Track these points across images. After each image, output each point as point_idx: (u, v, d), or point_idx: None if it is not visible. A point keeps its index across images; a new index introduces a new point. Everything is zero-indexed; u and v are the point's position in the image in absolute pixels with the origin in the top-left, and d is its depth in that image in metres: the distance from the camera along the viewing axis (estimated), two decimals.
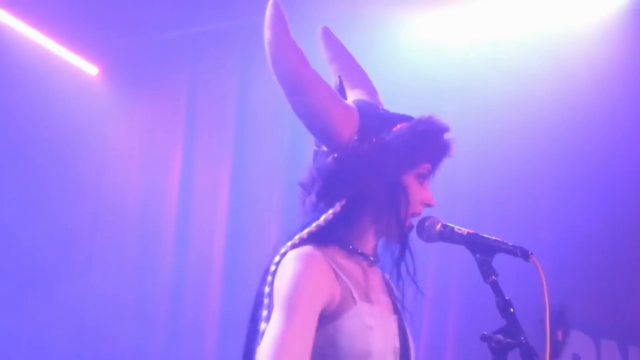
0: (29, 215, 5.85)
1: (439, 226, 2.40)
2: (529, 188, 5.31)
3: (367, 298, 2.40)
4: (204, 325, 5.88)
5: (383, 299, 2.48)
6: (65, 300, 5.90)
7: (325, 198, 2.43)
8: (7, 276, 5.72)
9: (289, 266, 2.28)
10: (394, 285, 2.52)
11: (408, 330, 2.50)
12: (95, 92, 6.32)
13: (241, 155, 6.02)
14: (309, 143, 5.87)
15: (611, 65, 5.21)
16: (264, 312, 2.30)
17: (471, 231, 2.34)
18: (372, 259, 2.49)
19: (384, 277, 2.55)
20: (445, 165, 5.59)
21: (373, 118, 2.48)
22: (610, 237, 5.20)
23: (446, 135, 2.49)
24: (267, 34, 2.41)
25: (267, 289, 2.32)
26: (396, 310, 2.50)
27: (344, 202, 2.41)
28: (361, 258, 2.46)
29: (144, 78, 6.33)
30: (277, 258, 2.35)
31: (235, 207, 5.96)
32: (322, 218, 2.41)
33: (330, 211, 2.41)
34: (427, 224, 2.42)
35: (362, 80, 2.70)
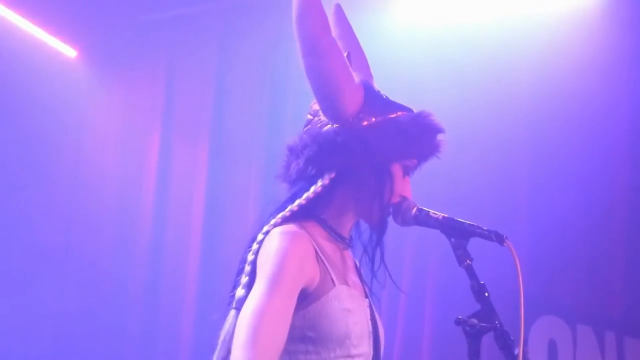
0: (4, 199, 5.82)
1: (414, 210, 2.40)
2: (507, 175, 5.31)
3: (345, 280, 2.41)
4: (180, 315, 5.88)
5: (357, 283, 2.50)
6: (42, 282, 5.88)
7: (314, 165, 2.44)
8: None
9: (273, 243, 2.29)
10: (368, 270, 2.53)
11: (377, 315, 2.51)
12: (73, 74, 6.29)
13: (219, 138, 6.01)
14: (287, 126, 5.89)
15: (592, 51, 5.21)
16: (244, 279, 2.31)
17: (446, 215, 2.34)
18: (347, 241, 2.50)
19: (355, 261, 2.57)
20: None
21: (376, 100, 2.50)
22: (587, 224, 5.21)
23: (440, 136, 2.51)
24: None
25: (250, 257, 2.33)
26: (366, 295, 2.51)
27: (333, 175, 2.42)
28: (338, 239, 2.47)
29: (122, 60, 6.31)
30: (260, 236, 2.36)
31: (213, 191, 5.95)
32: (304, 196, 2.42)
33: (319, 183, 2.42)
34: (402, 207, 2.42)
35: (362, 65, 2.70)
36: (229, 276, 2.46)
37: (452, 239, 2.28)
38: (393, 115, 2.47)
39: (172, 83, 6.20)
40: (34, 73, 6.02)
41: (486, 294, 2.19)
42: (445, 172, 5.26)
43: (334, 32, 2.68)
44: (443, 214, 2.34)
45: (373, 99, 2.49)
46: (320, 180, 2.42)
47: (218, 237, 5.84)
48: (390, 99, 2.55)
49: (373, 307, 2.51)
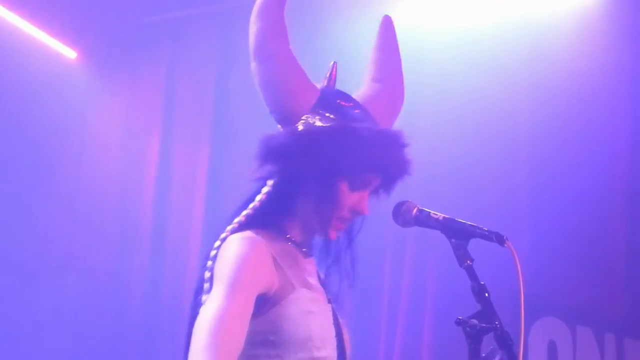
0: (6, 200, 5.82)
1: (414, 211, 2.39)
2: (507, 176, 5.31)
3: (305, 285, 2.40)
4: (182, 316, 5.85)
5: (319, 289, 2.48)
6: (43, 283, 5.88)
7: (261, 177, 2.44)
8: None
9: (230, 248, 2.29)
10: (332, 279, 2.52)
11: (341, 321, 2.50)
12: (73, 75, 6.29)
13: (220, 139, 6.01)
14: None
15: (590, 53, 5.20)
16: (204, 298, 2.28)
17: (447, 216, 2.34)
18: (304, 250, 2.48)
19: (317, 269, 2.55)
20: (424, 150, 5.61)
21: (331, 108, 2.44)
22: (587, 225, 5.21)
23: (398, 149, 2.44)
24: (257, 1, 2.46)
25: (207, 274, 2.32)
26: (329, 301, 2.49)
27: (276, 180, 2.41)
28: (296, 247, 2.46)
29: (122, 62, 6.31)
30: (217, 243, 2.35)
31: (214, 191, 5.95)
32: (257, 199, 2.41)
33: (264, 190, 2.42)
34: (403, 208, 2.41)
35: (392, 78, 2.64)
36: None
37: (453, 240, 2.28)
38: (343, 127, 2.39)
39: (173, 84, 6.21)
40: (35, 75, 6.02)
41: (486, 295, 2.19)
42: (445, 172, 5.29)
43: (373, 41, 2.69)
44: (444, 215, 2.34)
45: (327, 106, 2.43)
46: (264, 187, 2.42)
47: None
48: (352, 111, 2.46)
49: (337, 313, 2.49)
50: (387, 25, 2.73)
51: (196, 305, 2.33)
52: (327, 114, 2.42)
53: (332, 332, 2.42)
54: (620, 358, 5.22)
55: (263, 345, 2.29)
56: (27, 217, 5.93)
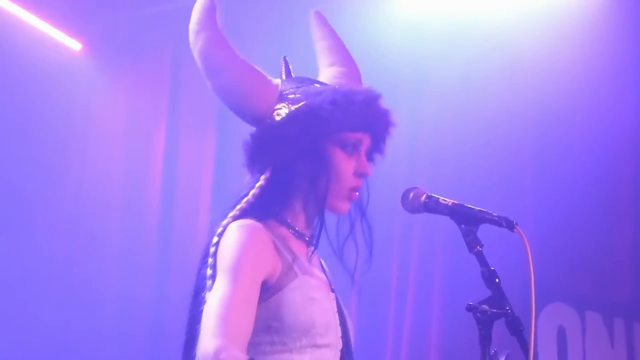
0: (10, 192, 5.83)
1: (423, 197, 2.39)
2: (513, 159, 5.32)
3: (308, 272, 2.40)
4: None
5: (322, 277, 2.49)
6: (47, 282, 5.88)
7: (252, 173, 2.46)
8: None
9: (231, 235, 2.29)
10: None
11: (345, 310, 2.50)
12: (78, 67, 6.27)
13: (226, 130, 6.00)
14: None
15: (597, 41, 5.22)
16: (207, 295, 2.28)
17: (456, 202, 2.34)
18: (307, 238, 2.48)
19: (320, 259, 2.56)
20: (431, 137, 5.61)
21: (294, 91, 2.48)
22: (596, 211, 5.21)
23: (371, 102, 2.46)
24: (190, 21, 2.53)
25: (209, 271, 2.32)
26: (332, 290, 2.50)
27: (268, 174, 2.42)
28: (299, 236, 2.46)
29: (127, 53, 6.30)
30: (215, 239, 2.35)
31: (220, 183, 5.94)
32: (251, 193, 2.42)
33: (257, 184, 2.42)
34: (411, 195, 2.41)
35: (343, 60, 2.69)
36: None
37: (462, 226, 2.28)
38: (310, 100, 2.43)
39: (178, 75, 6.19)
40: (39, 66, 6.01)
41: (497, 280, 2.19)
42: (453, 158, 5.29)
43: (313, 36, 2.75)
44: (453, 201, 2.34)
45: (288, 93, 2.47)
46: (257, 182, 2.43)
47: None
48: (315, 88, 2.51)
49: (340, 301, 2.50)
50: (321, 19, 2.78)
51: (196, 303, 2.35)
52: (293, 97, 2.46)
53: (336, 319, 2.42)
54: (629, 342, 5.23)
55: (266, 331, 2.29)
56: (29, 211, 5.93)
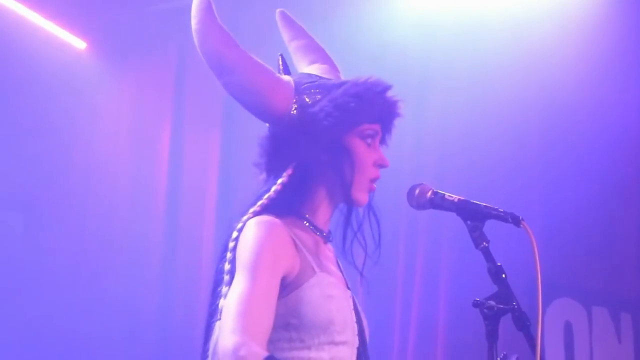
0: (15, 190, 5.84)
1: (429, 193, 2.39)
2: (519, 155, 5.32)
3: (326, 269, 2.41)
4: (195, 314, 5.83)
5: (338, 274, 2.50)
6: (53, 282, 5.88)
7: (272, 172, 2.47)
8: None
9: (250, 232, 2.30)
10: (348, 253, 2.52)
11: (360, 308, 2.51)
12: (83, 66, 6.27)
13: (231, 128, 6.00)
14: None
15: (604, 38, 5.23)
16: (225, 289, 2.30)
17: (462, 198, 2.34)
18: (325, 234, 2.49)
19: (336, 255, 2.56)
20: (437, 134, 5.60)
21: (309, 87, 2.48)
22: (602, 206, 5.22)
23: (386, 94, 2.49)
24: (192, 23, 2.52)
25: (227, 266, 2.33)
26: (348, 287, 2.51)
27: (290, 171, 2.43)
28: (317, 232, 2.47)
29: (132, 52, 6.30)
30: (234, 234, 2.36)
31: (225, 181, 5.95)
32: (273, 189, 2.42)
33: (279, 181, 2.43)
34: (417, 191, 2.41)
35: (321, 57, 2.71)
36: None
37: (468, 222, 2.28)
38: (326, 94, 2.45)
39: (183, 73, 6.19)
40: (44, 66, 6.01)
41: (504, 276, 2.19)
42: (458, 155, 5.29)
43: (284, 37, 2.78)
44: (459, 197, 2.34)
45: (305, 89, 2.48)
46: (280, 178, 2.43)
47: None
48: (329, 81, 2.54)
49: (355, 299, 2.50)
50: (287, 18, 2.81)
51: (214, 297, 2.34)
52: (312, 91, 2.47)
53: (353, 317, 2.43)
54: (637, 337, 5.23)
55: (285, 328, 2.29)
56: (35, 209, 5.93)
